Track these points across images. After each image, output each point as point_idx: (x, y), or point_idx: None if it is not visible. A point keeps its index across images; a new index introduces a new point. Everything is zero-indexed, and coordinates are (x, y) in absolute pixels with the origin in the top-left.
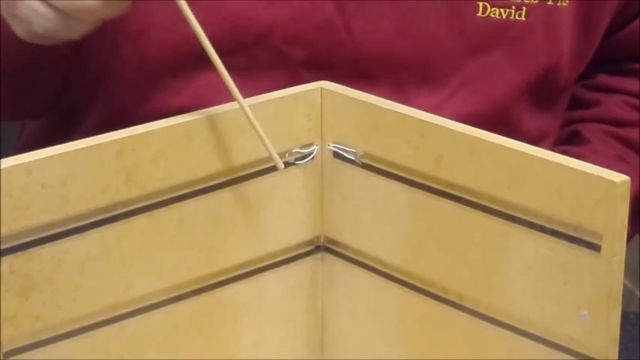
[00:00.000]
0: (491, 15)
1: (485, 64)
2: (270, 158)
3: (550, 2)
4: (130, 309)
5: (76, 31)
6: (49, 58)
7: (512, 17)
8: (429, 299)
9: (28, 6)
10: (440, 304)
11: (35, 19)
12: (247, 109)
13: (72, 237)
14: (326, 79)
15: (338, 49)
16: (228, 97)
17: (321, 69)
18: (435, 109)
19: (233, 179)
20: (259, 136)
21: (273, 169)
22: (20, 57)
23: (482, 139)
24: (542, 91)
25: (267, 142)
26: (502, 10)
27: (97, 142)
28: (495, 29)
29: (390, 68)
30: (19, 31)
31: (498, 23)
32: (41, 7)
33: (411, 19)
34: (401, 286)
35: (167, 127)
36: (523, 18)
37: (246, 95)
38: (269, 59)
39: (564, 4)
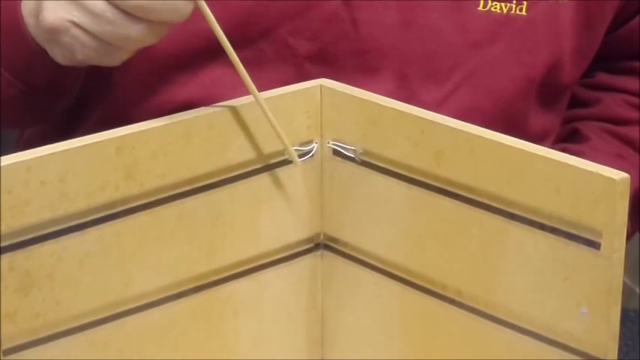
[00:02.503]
0: (492, 9)
1: (487, 58)
2: (269, 155)
3: None
4: (130, 306)
5: (117, 59)
6: (74, 70)
7: (512, 12)
8: (429, 296)
9: (71, 35)
10: (439, 301)
11: (78, 48)
12: (262, 101)
13: (71, 234)
14: (331, 73)
15: (343, 41)
16: (234, 91)
17: (327, 62)
18: (439, 104)
19: (232, 177)
20: (274, 128)
21: (273, 166)
22: (48, 70)
23: (482, 137)
24: (546, 89)
25: (283, 134)
26: (503, 4)
27: (97, 140)
28: (496, 23)
29: (394, 61)
30: (59, 57)
31: (499, 17)
32: (85, 38)
33: (414, 11)
34: (400, 284)
35: (167, 124)
36: (524, 13)
37: None
38: (275, 52)
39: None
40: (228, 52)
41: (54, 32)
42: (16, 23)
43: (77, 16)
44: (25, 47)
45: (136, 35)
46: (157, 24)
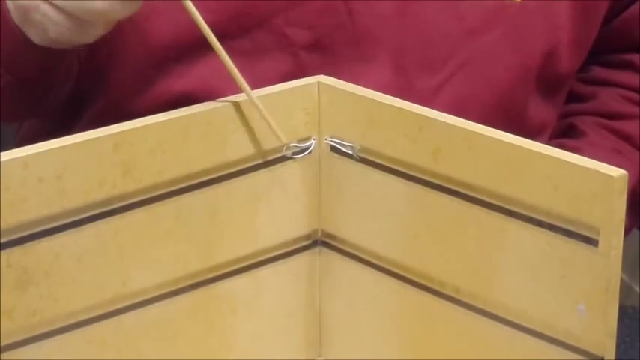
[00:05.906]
0: None
1: (483, 46)
2: (268, 152)
3: None
4: (127, 303)
5: (90, 35)
6: (64, 59)
7: None
8: (427, 293)
9: (41, 13)
10: (437, 298)
11: (50, 25)
12: (249, 90)
13: (69, 231)
14: (327, 62)
15: (339, 30)
16: (232, 82)
17: (323, 52)
18: (435, 92)
19: (230, 173)
20: (261, 114)
21: (270, 163)
22: (35, 61)
23: (480, 133)
24: (544, 79)
25: (269, 117)
26: None
27: (94, 136)
28: (491, 11)
29: (389, 50)
30: (34, 37)
31: (494, 5)
32: (54, 14)
33: (409, 0)
34: (398, 280)
35: (164, 121)
36: (518, 0)
37: (249, 79)
38: (272, 42)
39: None
40: (214, 46)
41: (25, 10)
42: (3, 14)
43: None
44: (10, 37)
45: (100, 8)
46: None
